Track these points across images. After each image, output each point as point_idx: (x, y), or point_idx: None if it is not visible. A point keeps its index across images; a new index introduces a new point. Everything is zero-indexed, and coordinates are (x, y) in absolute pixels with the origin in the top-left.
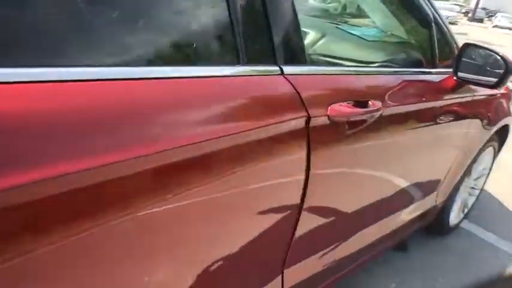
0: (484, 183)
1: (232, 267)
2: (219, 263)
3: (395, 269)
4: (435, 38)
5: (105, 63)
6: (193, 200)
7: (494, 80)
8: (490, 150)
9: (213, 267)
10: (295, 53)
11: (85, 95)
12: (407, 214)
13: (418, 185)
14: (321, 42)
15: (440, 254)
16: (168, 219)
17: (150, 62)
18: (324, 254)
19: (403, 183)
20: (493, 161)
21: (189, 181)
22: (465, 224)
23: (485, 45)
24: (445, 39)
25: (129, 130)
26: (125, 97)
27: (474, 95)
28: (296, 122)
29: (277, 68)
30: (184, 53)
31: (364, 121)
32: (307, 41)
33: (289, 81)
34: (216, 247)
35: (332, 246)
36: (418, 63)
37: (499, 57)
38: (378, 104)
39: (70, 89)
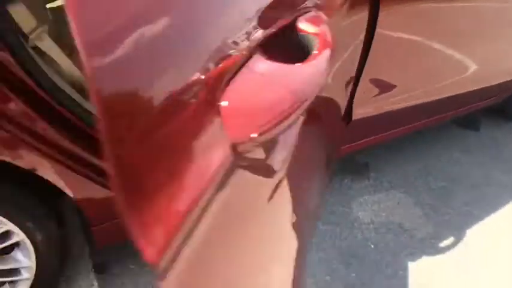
0: None
1: None
2: None
3: (463, 143)
4: None
5: None
6: None
7: None
8: None
9: None
10: None
11: None
12: (477, 80)
13: (488, 54)
14: None
15: (511, 135)
16: None
17: None
18: (390, 101)
19: (471, 49)
20: None
21: None
22: None
23: None
24: None
25: None
26: None
27: None
28: None
29: None
30: None
31: None
32: None
33: None
34: None
35: (397, 96)
36: None
37: None
38: None
39: None
